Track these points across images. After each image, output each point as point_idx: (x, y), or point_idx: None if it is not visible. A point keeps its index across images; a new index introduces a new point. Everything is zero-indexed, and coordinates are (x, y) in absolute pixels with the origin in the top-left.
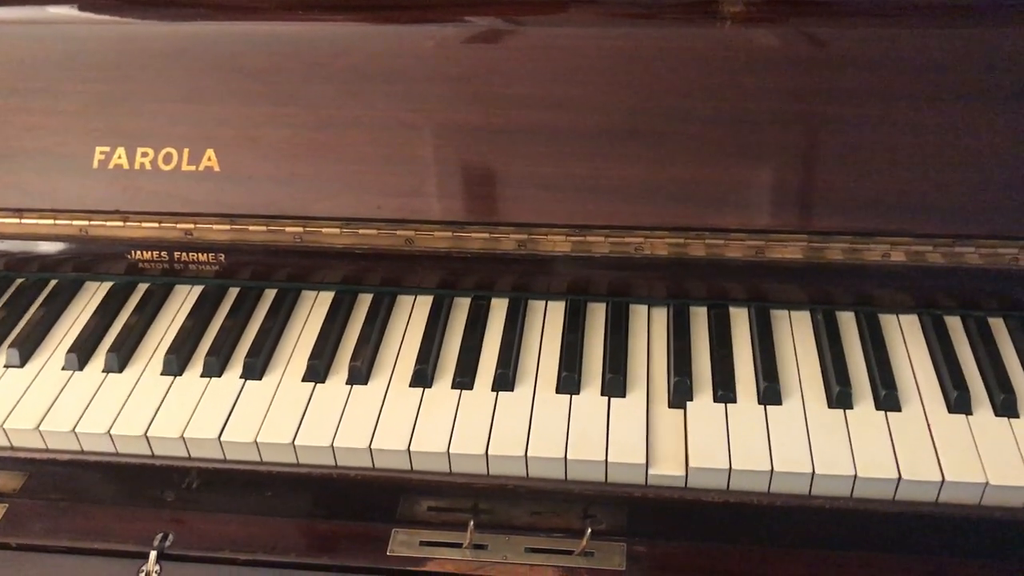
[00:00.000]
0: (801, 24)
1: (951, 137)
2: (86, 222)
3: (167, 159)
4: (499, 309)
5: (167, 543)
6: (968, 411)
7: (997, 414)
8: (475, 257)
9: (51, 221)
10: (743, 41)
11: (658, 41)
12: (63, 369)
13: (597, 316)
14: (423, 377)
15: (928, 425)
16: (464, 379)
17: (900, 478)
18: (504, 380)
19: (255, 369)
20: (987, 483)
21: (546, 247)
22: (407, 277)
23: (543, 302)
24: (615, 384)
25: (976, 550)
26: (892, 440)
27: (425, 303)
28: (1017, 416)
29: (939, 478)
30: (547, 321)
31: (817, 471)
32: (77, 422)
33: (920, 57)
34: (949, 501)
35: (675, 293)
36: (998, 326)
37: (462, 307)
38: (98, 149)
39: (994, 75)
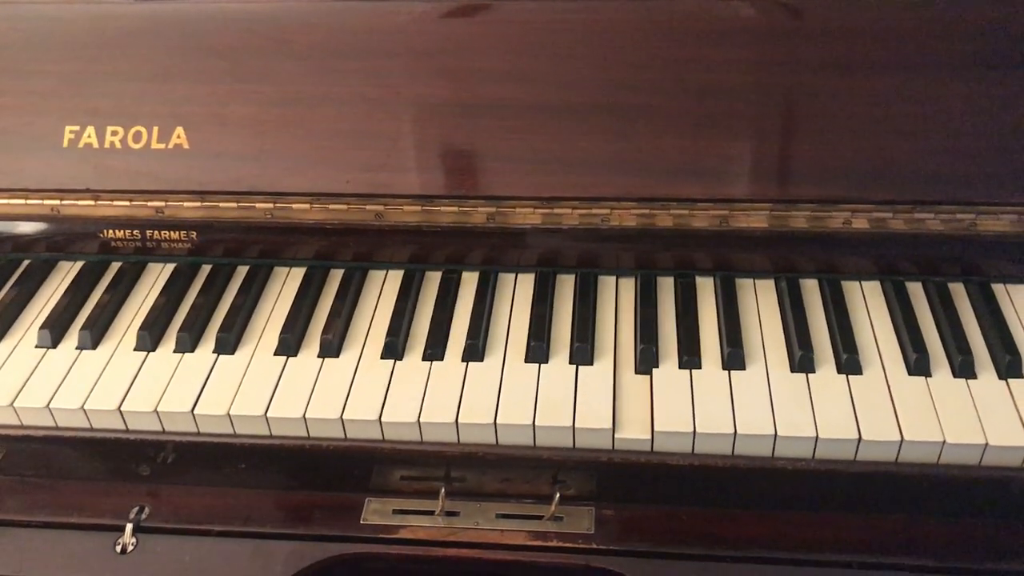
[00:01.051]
0: None
1: (910, 106)
2: (57, 201)
3: (137, 137)
4: (470, 282)
5: (143, 516)
6: (927, 373)
7: (955, 376)
8: (445, 231)
9: (22, 201)
10: (705, 13)
11: (621, 14)
12: (37, 347)
13: (566, 287)
14: (394, 349)
15: (888, 387)
16: (435, 350)
17: (860, 439)
18: (474, 351)
19: (228, 344)
20: (944, 442)
21: (515, 220)
22: (378, 251)
23: (513, 275)
24: (583, 352)
25: (936, 508)
26: (853, 402)
27: (396, 277)
28: (975, 377)
29: (898, 438)
30: (517, 293)
31: (779, 433)
32: (51, 398)
33: (880, 27)
34: (908, 460)
35: (642, 263)
36: (958, 291)
37: (433, 280)
38: (68, 128)
39: (951, 45)
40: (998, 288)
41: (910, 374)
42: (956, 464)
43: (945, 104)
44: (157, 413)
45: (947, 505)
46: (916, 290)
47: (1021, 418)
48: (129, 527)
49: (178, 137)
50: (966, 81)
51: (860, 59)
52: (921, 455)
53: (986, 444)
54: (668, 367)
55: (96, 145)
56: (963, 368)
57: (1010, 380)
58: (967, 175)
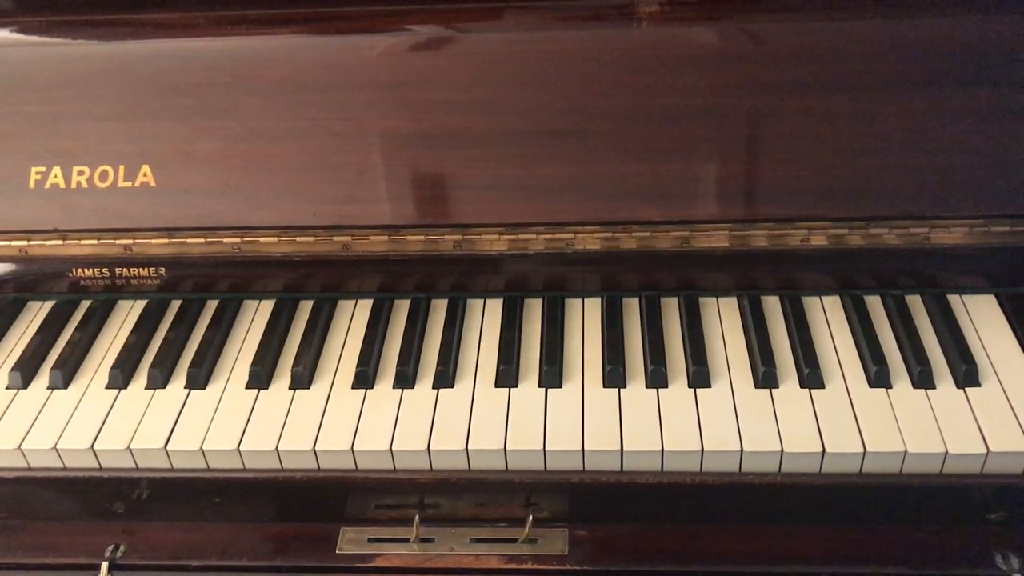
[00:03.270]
0: (713, 22)
1: (863, 125)
2: (25, 242)
3: (103, 176)
4: (439, 309)
5: (118, 554)
6: (888, 385)
7: (915, 386)
8: (413, 259)
9: None
10: (659, 40)
11: (579, 43)
12: (7, 388)
13: (534, 311)
14: (364, 378)
15: (850, 400)
16: (405, 378)
17: (824, 451)
18: (444, 377)
19: (199, 379)
20: (906, 451)
21: (482, 246)
22: (347, 282)
23: (481, 301)
24: (552, 376)
25: (900, 516)
26: (816, 416)
27: (365, 307)
28: (933, 387)
29: (861, 449)
30: (486, 319)
31: (745, 449)
32: (23, 439)
33: (832, 49)
34: (872, 471)
35: (608, 285)
36: (915, 303)
37: (402, 309)
38: (34, 169)
39: (900, 65)
40: (954, 299)
41: (871, 386)
42: (918, 473)
43: (896, 122)
44: (130, 450)
45: (911, 513)
46: (875, 303)
47: (979, 426)
48: (105, 565)
49: (144, 175)
50: (915, 100)
51: (813, 81)
52: (884, 465)
53: (946, 452)
54: (635, 387)
55: (63, 185)
56: (922, 379)
57: (967, 389)
58: (920, 190)
